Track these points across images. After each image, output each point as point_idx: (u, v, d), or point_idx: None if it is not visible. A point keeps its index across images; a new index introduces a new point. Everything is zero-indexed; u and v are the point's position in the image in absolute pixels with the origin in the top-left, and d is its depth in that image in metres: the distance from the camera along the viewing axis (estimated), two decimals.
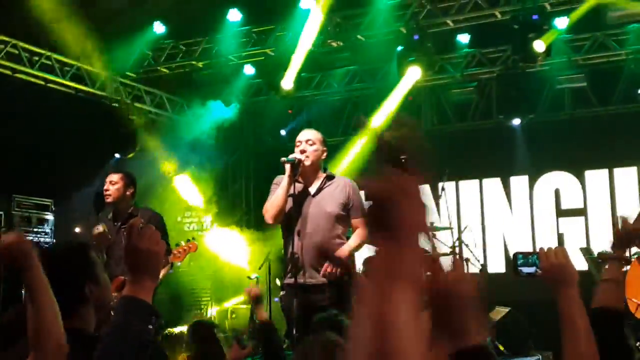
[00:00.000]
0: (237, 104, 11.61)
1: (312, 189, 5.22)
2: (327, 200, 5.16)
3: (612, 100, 10.50)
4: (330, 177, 5.27)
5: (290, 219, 5.14)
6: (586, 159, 10.72)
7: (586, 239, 10.53)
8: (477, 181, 11.42)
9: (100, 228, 5.73)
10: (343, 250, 5.08)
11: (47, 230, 9.61)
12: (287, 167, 5.08)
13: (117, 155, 10.91)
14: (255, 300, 4.41)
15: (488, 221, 11.27)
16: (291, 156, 5.13)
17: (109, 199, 5.99)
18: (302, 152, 5.15)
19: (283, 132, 12.25)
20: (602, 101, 10.59)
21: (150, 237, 1.92)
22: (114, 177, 6.03)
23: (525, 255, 2.47)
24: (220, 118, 11.73)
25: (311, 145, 5.19)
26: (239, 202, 13.27)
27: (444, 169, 9.37)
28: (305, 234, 5.07)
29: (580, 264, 8.13)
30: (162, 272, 5.63)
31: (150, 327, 1.88)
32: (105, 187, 6.01)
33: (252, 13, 10.25)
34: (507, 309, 8.18)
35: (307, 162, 5.16)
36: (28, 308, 2.17)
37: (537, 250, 2.38)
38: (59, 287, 2.28)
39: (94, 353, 1.90)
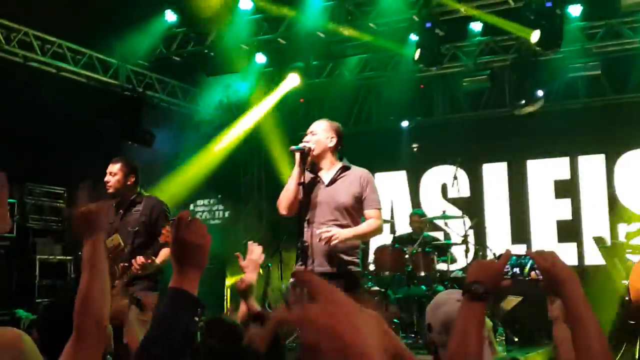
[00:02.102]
0: (253, 80, 11.55)
1: (326, 179, 5.20)
2: (340, 190, 5.14)
3: (626, 89, 10.41)
4: (346, 168, 5.24)
5: (300, 208, 5.14)
6: (600, 146, 10.68)
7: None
8: (491, 167, 11.48)
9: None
10: (347, 231, 5.03)
11: (60, 219, 9.61)
12: (297, 155, 5.09)
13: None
14: (244, 294, 4.06)
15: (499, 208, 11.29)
16: (300, 145, 5.13)
17: (110, 190, 5.83)
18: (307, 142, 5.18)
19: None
20: (616, 89, 10.51)
21: (197, 230, 1.94)
22: (113, 167, 5.87)
23: (517, 257, 2.38)
24: (235, 92, 11.70)
25: (313, 135, 5.20)
26: (251, 191, 13.28)
27: (456, 157, 9.40)
28: (316, 223, 5.06)
29: None
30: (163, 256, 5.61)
31: (196, 318, 1.91)
32: (105, 179, 5.86)
33: (263, 1, 10.21)
34: (519, 298, 8.16)
35: (315, 152, 5.16)
36: (80, 282, 2.20)
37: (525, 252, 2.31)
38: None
39: (140, 344, 1.92)
